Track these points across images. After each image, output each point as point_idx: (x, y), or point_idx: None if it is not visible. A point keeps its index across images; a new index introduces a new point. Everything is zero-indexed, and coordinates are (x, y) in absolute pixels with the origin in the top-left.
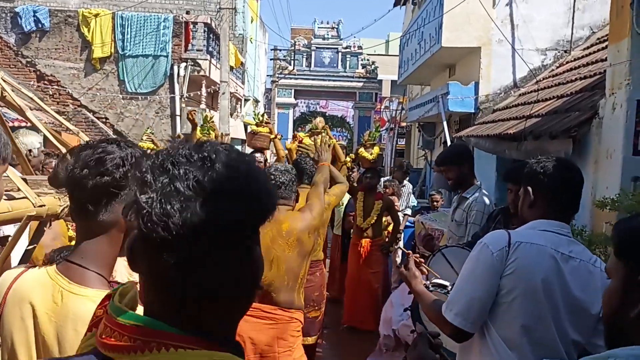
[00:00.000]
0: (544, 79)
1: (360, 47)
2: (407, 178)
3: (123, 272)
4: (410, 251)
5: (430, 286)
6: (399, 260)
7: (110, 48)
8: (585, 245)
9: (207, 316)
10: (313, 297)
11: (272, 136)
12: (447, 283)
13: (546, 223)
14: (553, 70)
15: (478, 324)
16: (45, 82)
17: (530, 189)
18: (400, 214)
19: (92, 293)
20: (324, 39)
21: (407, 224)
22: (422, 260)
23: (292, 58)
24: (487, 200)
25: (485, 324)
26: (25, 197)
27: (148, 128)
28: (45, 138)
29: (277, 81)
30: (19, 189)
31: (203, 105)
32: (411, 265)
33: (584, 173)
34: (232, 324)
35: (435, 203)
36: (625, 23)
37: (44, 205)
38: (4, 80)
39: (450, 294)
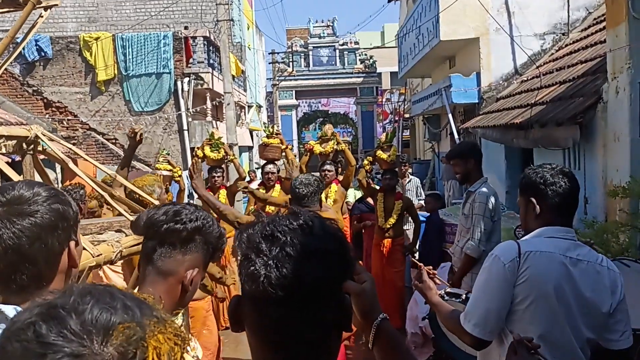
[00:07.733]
0: (544, 63)
1: (357, 43)
2: (410, 172)
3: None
4: (422, 264)
5: (445, 296)
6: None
7: (114, 70)
8: (597, 235)
9: None
10: None
11: (283, 147)
12: (461, 291)
13: (552, 230)
14: (553, 54)
15: (495, 332)
16: (53, 109)
17: (533, 200)
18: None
19: None
20: (320, 37)
21: (421, 218)
22: (435, 272)
23: (290, 60)
24: (489, 192)
25: (503, 331)
26: (84, 249)
27: (164, 149)
28: (61, 169)
29: (278, 84)
30: None
31: (209, 118)
32: (425, 278)
33: (593, 157)
34: None
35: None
36: (621, 8)
37: (101, 254)
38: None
39: (467, 305)
